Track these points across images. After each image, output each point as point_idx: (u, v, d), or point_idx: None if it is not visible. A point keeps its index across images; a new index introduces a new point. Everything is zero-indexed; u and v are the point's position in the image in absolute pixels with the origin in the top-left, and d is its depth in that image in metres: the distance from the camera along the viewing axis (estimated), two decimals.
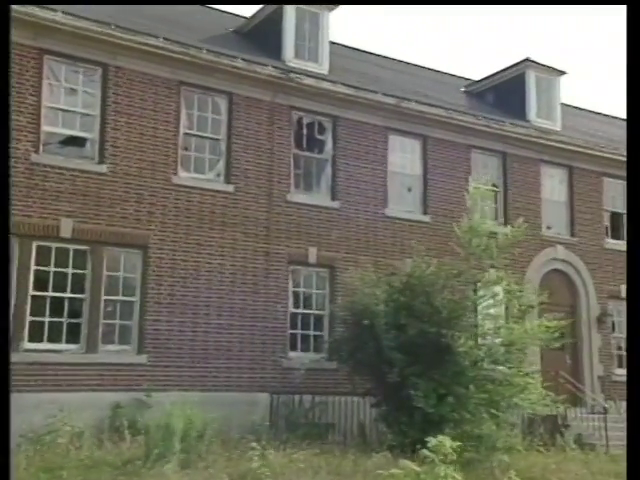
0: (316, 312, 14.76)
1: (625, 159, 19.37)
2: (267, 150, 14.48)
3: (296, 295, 14.68)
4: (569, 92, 44.34)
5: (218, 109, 14.18)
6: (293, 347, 14.40)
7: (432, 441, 6.25)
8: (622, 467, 10.80)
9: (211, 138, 14.11)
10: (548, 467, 10.57)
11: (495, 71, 20.45)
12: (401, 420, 11.69)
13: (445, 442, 6.14)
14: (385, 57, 20.14)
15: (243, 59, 14.08)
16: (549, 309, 18.48)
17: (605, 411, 15.24)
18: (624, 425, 15.44)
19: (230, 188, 14.00)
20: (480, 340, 11.95)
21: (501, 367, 11.73)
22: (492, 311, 12.26)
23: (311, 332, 14.67)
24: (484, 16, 48.24)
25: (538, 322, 12.13)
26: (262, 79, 14.40)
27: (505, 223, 17.78)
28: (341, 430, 12.82)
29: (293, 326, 14.49)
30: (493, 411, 11.39)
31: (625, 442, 14.40)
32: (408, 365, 11.80)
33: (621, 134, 22.03)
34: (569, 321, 13.40)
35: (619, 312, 19.44)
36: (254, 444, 8.37)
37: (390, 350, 11.71)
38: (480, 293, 12.14)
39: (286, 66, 15.15)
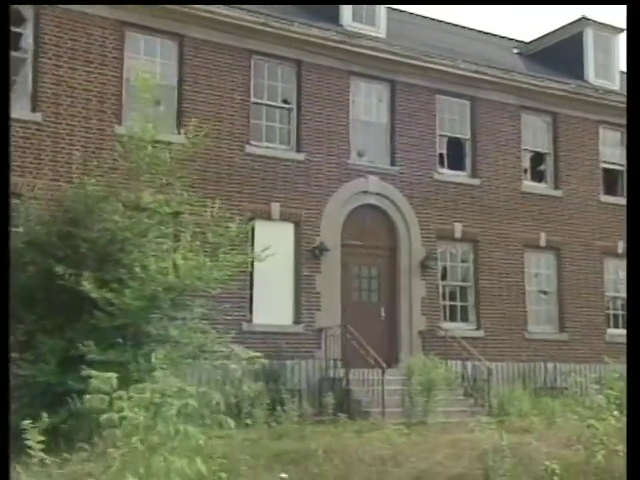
0: None
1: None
2: None
3: None
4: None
5: None
6: None
7: None
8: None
9: None
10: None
11: None
12: (21, 393, 8.63)
13: None
14: None
15: None
16: (361, 253, 15.48)
17: (383, 372, 12.28)
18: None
19: None
20: (145, 286, 8.76)
21: (156, 317, 8.63)
22: (165, 247, 9.08)
23: None
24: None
25: (209, 260, 8.95)
26: None
27: (298, 149, 14.58)
28: None
29: None
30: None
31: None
32: (40, 318, 8.70)
33: (465, 44, 18.54)
34: (260, 260, 10.16)
35: (452, 255, 16.34)
36: None
37: None
38: (147, 222, 8.93)
39: None
